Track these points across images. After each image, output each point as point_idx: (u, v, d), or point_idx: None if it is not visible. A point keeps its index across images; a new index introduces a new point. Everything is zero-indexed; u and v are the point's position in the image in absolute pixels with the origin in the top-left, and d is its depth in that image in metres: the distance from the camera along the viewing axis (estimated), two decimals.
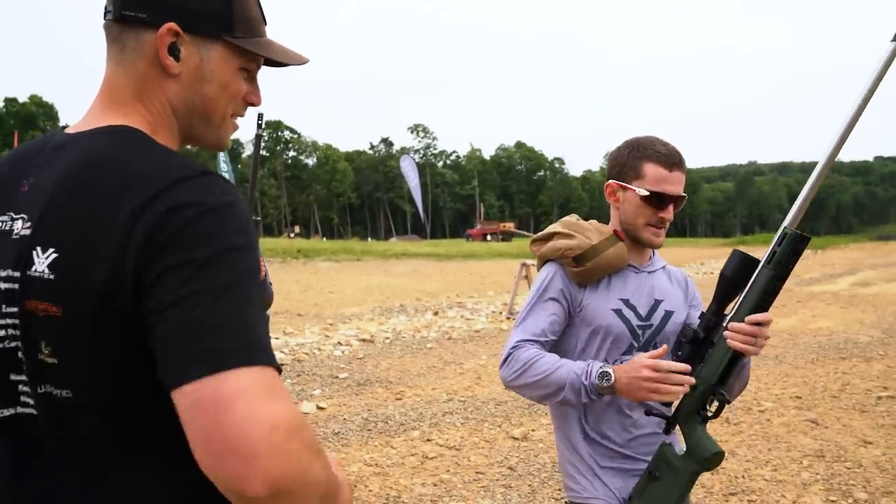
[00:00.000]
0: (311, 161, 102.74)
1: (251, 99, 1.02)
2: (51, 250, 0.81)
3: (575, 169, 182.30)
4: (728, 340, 1.51)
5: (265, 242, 29.27)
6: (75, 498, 0.86)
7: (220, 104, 0.98)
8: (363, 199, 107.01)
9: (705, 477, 4.17)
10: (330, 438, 5.15)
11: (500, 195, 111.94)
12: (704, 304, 1.80)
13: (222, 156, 6.60)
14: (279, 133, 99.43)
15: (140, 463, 0.85)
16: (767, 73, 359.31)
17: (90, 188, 0.82)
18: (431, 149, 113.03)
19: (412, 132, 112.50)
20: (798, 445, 4.93)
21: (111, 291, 0.78)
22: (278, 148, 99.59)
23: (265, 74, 1.04)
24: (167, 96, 0.94)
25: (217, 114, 0.98)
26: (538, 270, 1.88)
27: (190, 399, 0.73)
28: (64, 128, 0.97)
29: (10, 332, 0.85)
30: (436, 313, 12.64)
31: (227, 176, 3.89)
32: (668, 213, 1.75)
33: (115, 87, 0.94)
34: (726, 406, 1.56)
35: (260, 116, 2.68)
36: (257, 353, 0.76)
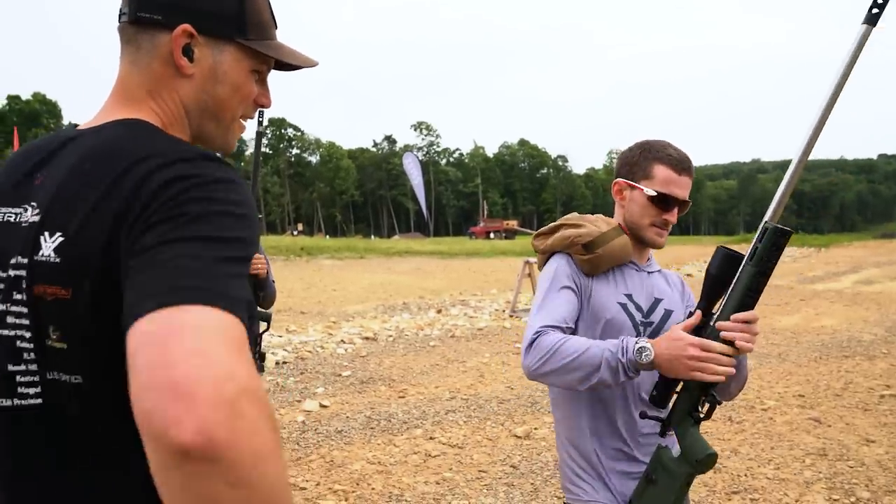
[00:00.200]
0: (314, 159, 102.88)
1: (262, 101, 1.04)
2: (57, 234, 0.81)
3: (578, 167, 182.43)
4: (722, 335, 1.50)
5: (268, 240, 29.34)
6: (75, 490, 0.84)
7: (231, 105, 1.00)
8: (366, 197, 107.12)
9: (708, 475, 4.17)
10: (333, 436, 5.17)
11: (504, 193, 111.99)
12: None
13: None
14: (282, 131, 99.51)
15: (144, 452, 0.84)
16: (768, 69, 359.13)
17: (96, 172, 0.83)
18: (434, 146, 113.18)
19: (415, 129, 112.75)
20: (801, 444, 4.92)
21: (110, 265, 0.77)
22: (282, 146, 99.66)
23: (270, 73, 1.06)
24: (180, 96, 0.96)
25: (228, 114, 1.00)
26: (541, 267, 1.87)
27: (139, 333, 0.65)
28: (76, 126, 0.98)
29: (17, 320, 0.84)
30: (439, 311, 12.66)
31: None
32: (673, 216, 1.77)
33: (128, 87, 0.95)
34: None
35: (260, 114, 2.65)
36: (226, 300, 0.69)
